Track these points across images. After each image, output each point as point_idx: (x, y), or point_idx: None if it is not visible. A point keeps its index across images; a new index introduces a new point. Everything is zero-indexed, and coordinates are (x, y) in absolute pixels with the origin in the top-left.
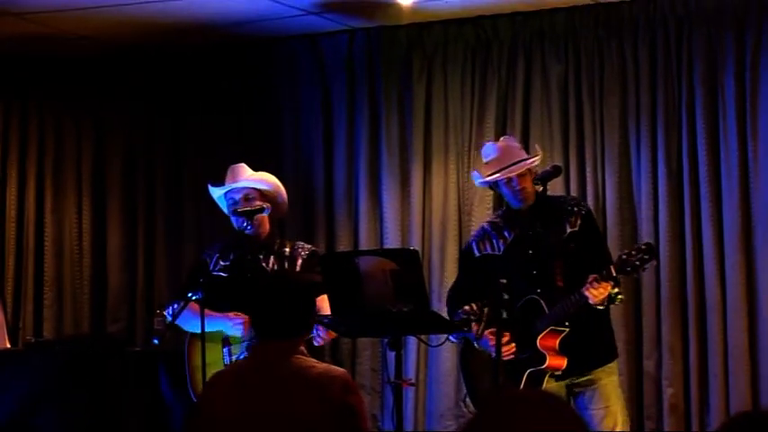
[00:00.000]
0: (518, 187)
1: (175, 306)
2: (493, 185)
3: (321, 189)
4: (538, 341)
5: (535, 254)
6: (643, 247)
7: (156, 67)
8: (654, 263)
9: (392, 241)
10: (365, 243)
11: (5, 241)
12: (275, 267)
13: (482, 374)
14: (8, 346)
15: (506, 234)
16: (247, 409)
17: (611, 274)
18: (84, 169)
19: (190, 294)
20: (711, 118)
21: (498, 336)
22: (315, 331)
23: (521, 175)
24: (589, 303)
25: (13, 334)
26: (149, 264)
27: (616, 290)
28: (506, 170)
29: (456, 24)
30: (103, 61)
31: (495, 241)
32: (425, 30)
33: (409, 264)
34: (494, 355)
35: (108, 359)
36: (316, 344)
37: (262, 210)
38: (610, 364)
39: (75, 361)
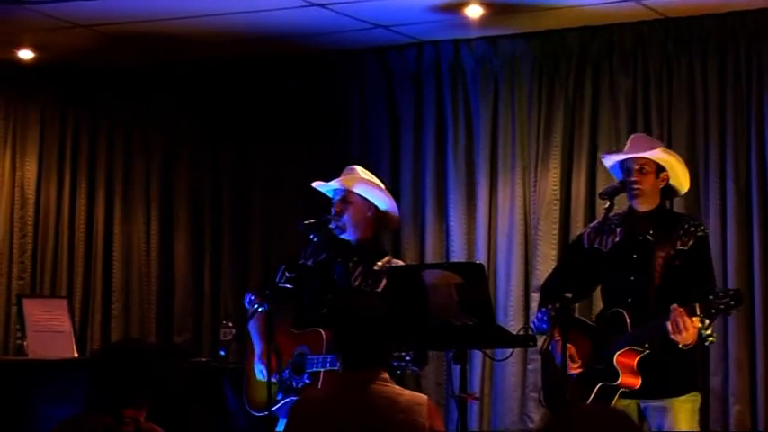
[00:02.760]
0: (632, 178)
1: (251, 298)
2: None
3: None
4: (615, 357)
5: (638, 260)
6: (731, 292)
7: (223, 79)
8: (739, 309)
9: (458, 255)
10: (431, 257)
11: (75, 251)
12: (360, 280)
13: (558, 377)
14: (75, 355)
15: (618, 233)
16: None
17: (696, 311)
18: (152, 180)
19: (256, 306)
20: None
21: (564, 349)
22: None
23: (639, 171)
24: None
25: (80, 344)
26: (216, 275)
27: (709, 331)
28: (621, 154)
29: (524, 38)
30: (173, 74)
31: (605, 237)
32: (493, 43)
33: (475, 277)
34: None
35: (174, 369)
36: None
37: (327, 223)
38: (687, 396)
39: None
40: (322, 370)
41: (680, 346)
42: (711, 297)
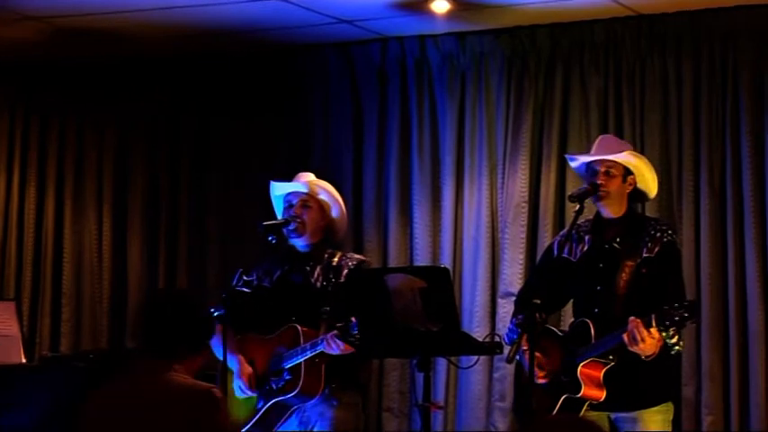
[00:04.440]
0: (598, 181)
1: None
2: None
3: (350, 203)
4: (579, 368)
5: (605, 269)
6: (686, 303)
7: (182, 74)
8: (694, 322)
9: (422, 258)
10: (394, 260)
11: (23, 253)
12: (321, 279)
13: (529, 390)
14: (23, 360)
15: (586, 241)
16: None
17: (652, 322)
18: (105, 178)
19: (212, 310)
20: (757, 136)
21: (531, 356)
22: (322, 343)
23: (605, 173)
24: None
25: (28, 348)
26: (171, 279)
27: (674, 339)
28: (587, 155)
29: (492, 34)
30: (127, 68)
31: (575, 246)
32: (460, 39)
33: (440, 282)
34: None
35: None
36: (325, 349)
37: (287, 224)
38: (658, 407)
39: (92, 376)
40: (302, 360)
41: (642, 357)
42: (666, 308)
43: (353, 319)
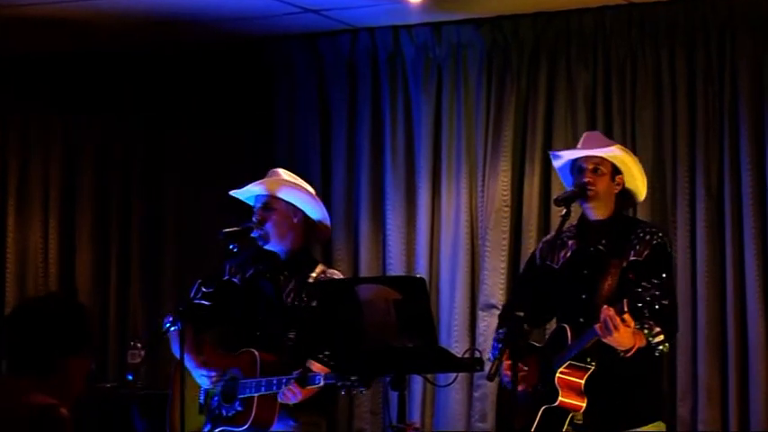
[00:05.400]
0: (585, 179)
1: (170, 319)
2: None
3: None
4: (556, 375)
5: (589, 276)
6: (656, 281)
7: (134, 69)
8: (665, 303)
9: (396, 268)
10: (366, 269)
11: None
12: (293, 294)
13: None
14: None
15: (570, 246)
16: None
17: (624, 308)
18: (51, 181)
19: (168, 325)
20: (757, 133)
21: (514, 370)
22: (282, 387)
23: (593, 171)
24: (603, 342)
25: None
26: (123, 289)
27: (658, 339)
28: (574, 151)
29: (471, 24)
30: (73, 63)
31: (557, 252)
32: (437, 30)
33: (415, 293)
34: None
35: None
36: (281, 399)
37: (249, 231)
38: (649, 426)
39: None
40: (256, 395)
41: (621, 354)
42: (639, 290)
43: (314, 367)
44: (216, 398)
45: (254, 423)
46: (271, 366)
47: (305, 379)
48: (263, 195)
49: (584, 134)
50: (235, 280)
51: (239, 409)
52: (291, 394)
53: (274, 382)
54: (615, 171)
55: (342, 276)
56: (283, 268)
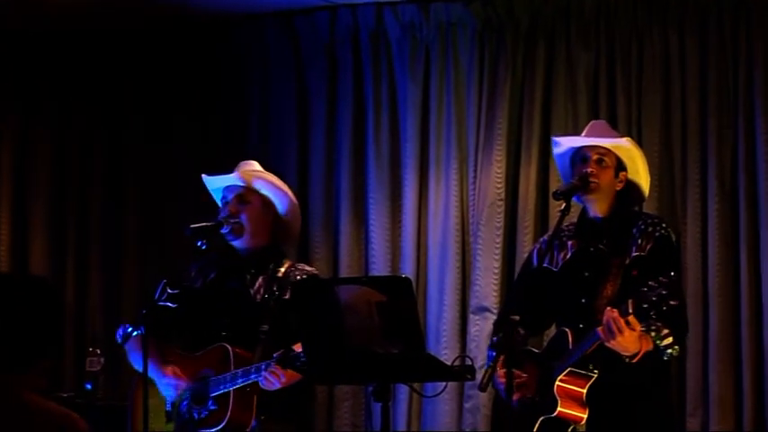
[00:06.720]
0: (588, 169)
1: (127, 329)
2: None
3: None
4: (556, 383)
5: (590, 278)
6: (664, 279)
7: (95, 50)
8: (672, 303)
9: (380, 267)
10: (347, 269)
11: None
12: (262, 291)
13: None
14: None
15: (569, 247)
16: None
17: (629, 308)
18: (2, 168)
19: (130, 329)
20: None
21: (509, 378)
22: (262, 372)
23: (598, 162)
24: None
25: None
26: (81, 289)
27: (666, 341)
28: (579, 138)
29: (462, 2)
30: (34, 40)
31: (556, 253)
32: (424, 7)
33: (400, 295)
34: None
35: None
36: (263, 385)
37: (220, 226)
38: None
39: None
40: (231, 389)
41: (626, 360)
42: (644, 289)
43: (297, 347)
44: (185, 402)
45: (230, 424)
46: (245, 360)
47: (287, 359)
48: (237, 186)
49: (591, 123)
50: (197, 285)
51: (213, 408)
52: (274, 377)
53: (252, 369)
54: (620, 167)
55: (312, 270)
56: (249, 266)
